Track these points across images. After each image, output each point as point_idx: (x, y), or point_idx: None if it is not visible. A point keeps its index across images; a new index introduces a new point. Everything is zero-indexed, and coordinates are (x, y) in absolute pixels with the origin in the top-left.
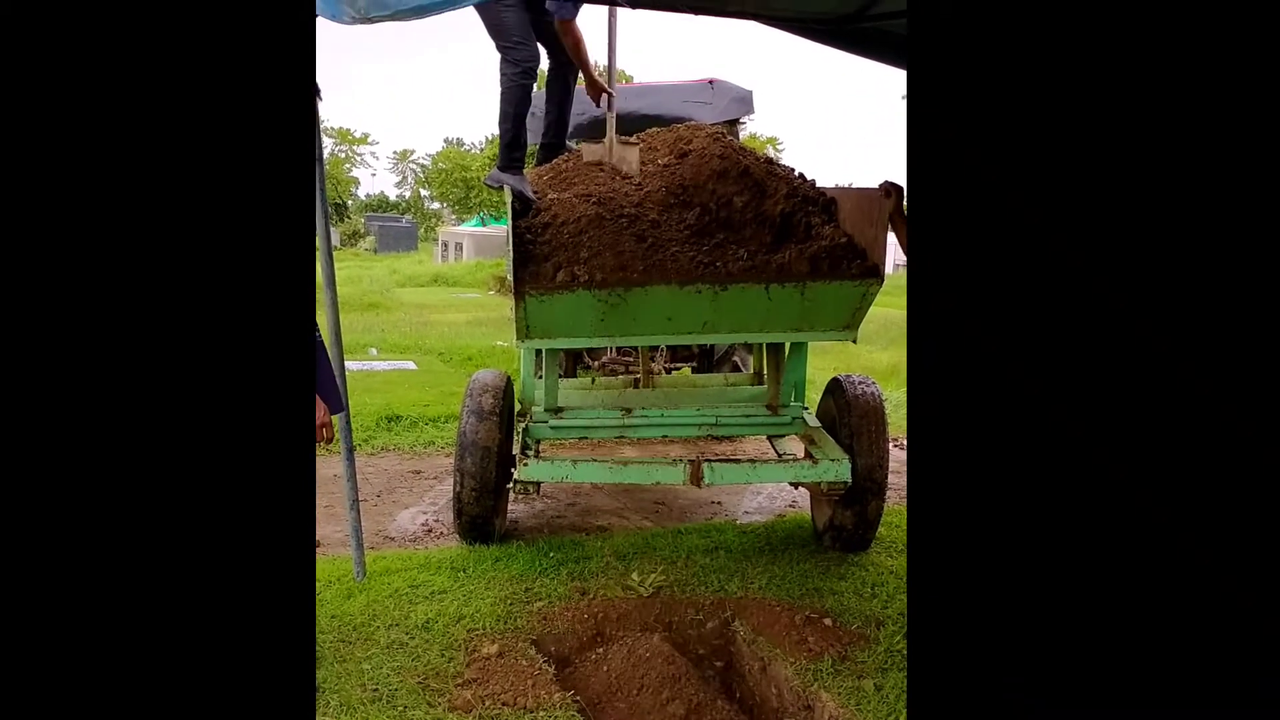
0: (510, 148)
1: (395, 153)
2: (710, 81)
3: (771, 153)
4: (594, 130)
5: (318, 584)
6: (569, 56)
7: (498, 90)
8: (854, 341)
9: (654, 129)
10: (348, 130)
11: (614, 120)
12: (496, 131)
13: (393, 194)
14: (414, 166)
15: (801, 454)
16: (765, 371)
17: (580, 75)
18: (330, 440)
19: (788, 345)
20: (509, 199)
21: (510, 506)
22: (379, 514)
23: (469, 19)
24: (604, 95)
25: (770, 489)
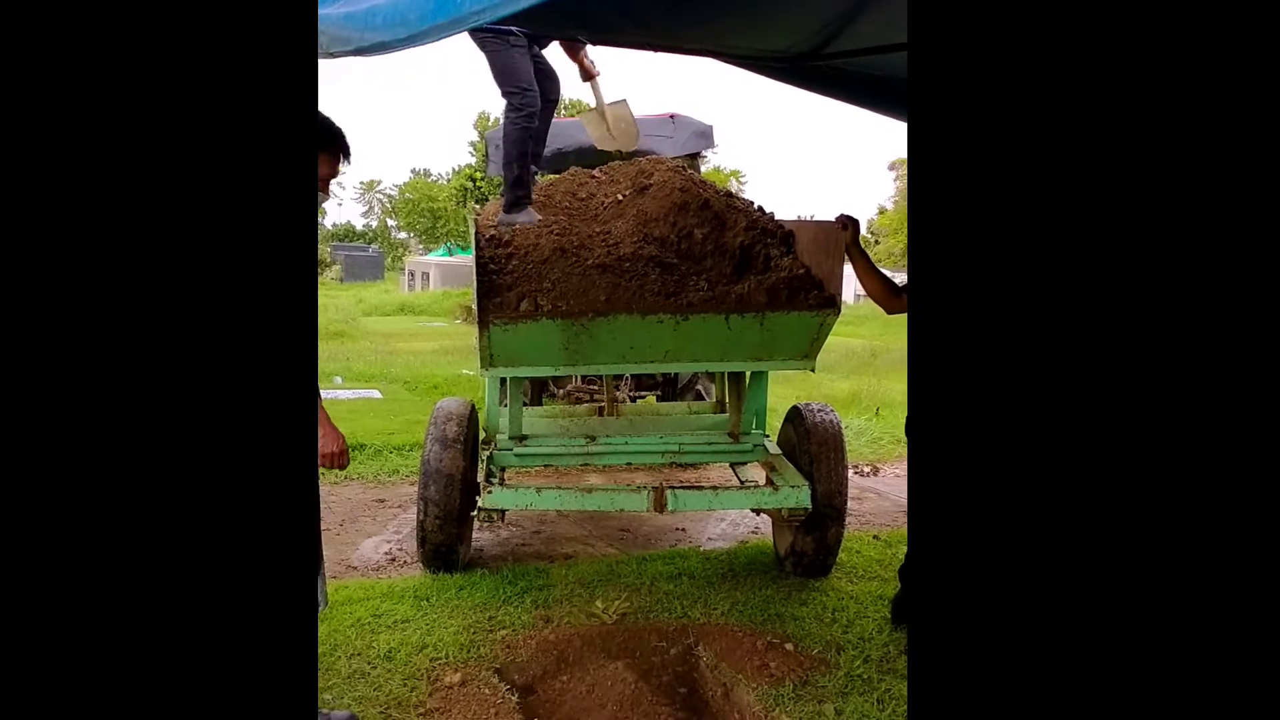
0: (515, 187)
1: (362, 183)
2: (671, 116)
3: (735, 185)
4: (556, 164)
5: None
6: (553, 95)
7: (501, 128)
8: (812, 370)
9: (615, 162)
10: None
11: (601, 91)
12: (500, 174)
13: (359, 223)
14: (381, 196)
15: (763, 481)
16: (727, 400)
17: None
18: (344, 466)
19: (748, 374)
20: (472, 230)
21: (474, 535)
22: (342, 543)
23: (438, 52)
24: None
25: (733, 515)
